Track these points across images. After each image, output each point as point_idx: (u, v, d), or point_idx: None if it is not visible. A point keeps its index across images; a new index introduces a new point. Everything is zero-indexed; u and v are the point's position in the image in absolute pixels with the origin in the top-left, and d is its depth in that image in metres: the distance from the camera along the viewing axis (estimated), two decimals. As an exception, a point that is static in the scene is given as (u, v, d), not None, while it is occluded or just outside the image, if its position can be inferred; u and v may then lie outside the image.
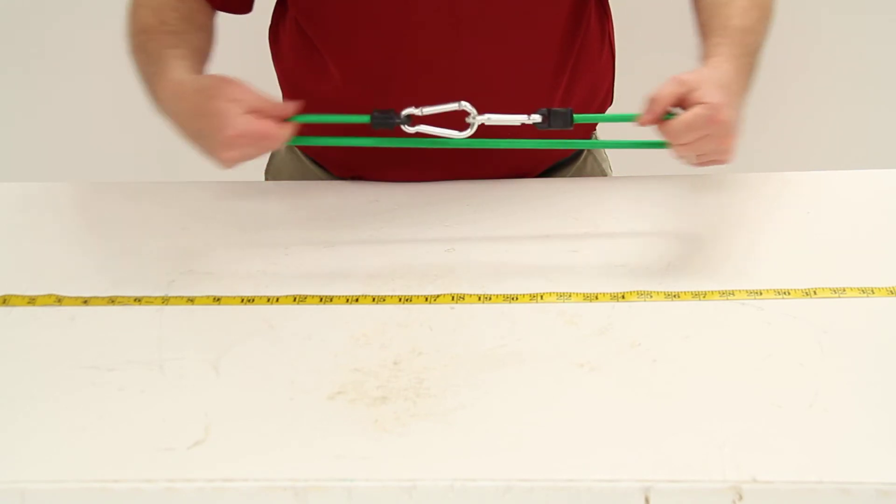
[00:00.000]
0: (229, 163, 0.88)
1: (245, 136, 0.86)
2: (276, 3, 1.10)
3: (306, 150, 1.14)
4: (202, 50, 1.00)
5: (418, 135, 0.88)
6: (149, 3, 1.01)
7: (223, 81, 0.88)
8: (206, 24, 1.03)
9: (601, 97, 1.11)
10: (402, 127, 0.88)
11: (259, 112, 0.86)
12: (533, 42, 1.01)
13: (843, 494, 0.61)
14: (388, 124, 0.88)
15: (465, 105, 0.87)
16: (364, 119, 0.88)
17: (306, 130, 0.92)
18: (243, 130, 0.86)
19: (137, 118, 1.98)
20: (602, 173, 1.17)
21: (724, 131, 0.84)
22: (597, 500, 0.62)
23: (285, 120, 0.88)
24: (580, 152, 1.15)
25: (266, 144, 0.88)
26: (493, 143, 0.93)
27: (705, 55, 0.90)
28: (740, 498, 0.61)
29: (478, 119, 0.87)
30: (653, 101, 0.84)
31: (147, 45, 0.97)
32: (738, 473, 0.62)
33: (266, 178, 1.21)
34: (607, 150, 1.21)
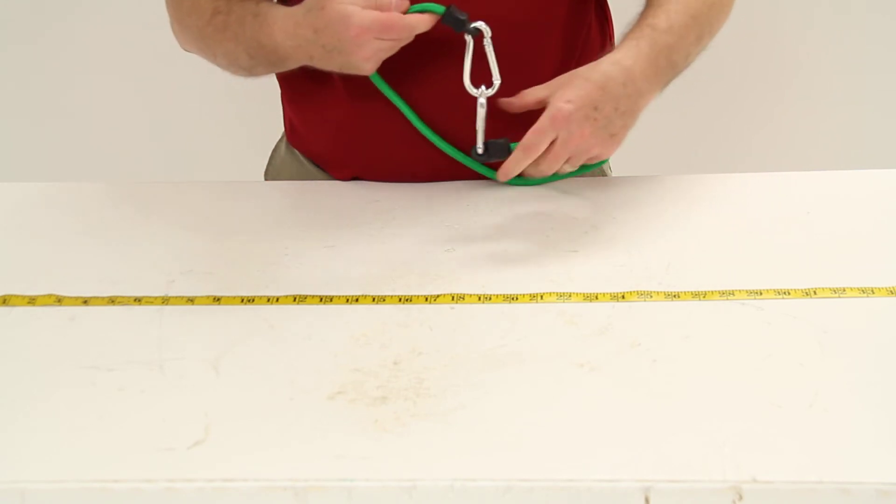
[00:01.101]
0: (369, 63, 0.88)
1: (371, 30, 0.86)
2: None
3: (306, 152, 1.14)
4: None
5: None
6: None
7: (336, 16, 0.88)
8: None
9: None
10: (470, 32, 0.91)
11: (377, 6, 0.87)
12: (533, 46, 1.02)
13: (843, 494, 0.61)
14: (457, 24, 0.91)
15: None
16: (439, 9, 0.91)
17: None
18: (367, 24, 0.86)
19: (138, 118, 2.00)
20: (602, 174, 1.17)
21: (579, 132, 0.88)
22: (597, 500, 0.62)
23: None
24: None
25: (395, 34, 0.88)
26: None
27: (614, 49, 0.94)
28: (740, 498, 0.61)
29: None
30: (522, 94, 0.90)
31: (229, 21, 0.97)
32: (738, 473, 0.62)
33: (266, 178, 1.21)
34: None
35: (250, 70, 1.00)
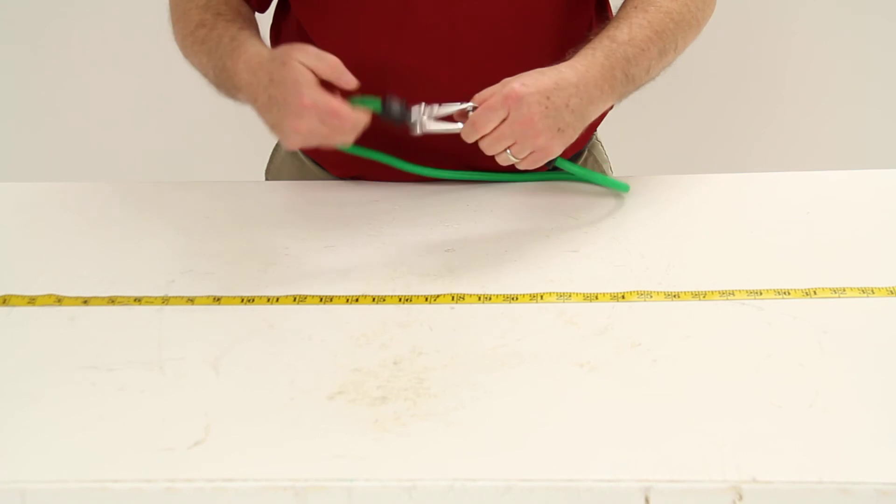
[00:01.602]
0: (297, 135, 0.87)
1: (318, 108, 0.86)
2: (277, 3, 1.10)
3: (307, 151, 1.14)
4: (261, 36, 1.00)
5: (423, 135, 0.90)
6: (196, 3, 1.01)
7: (295, 48, 0.88)
8: (251, 16, 1.04)
9: None
10: (410, 127, 0.90)
11: (329, 87, 0.87)
12: (531, 42, 1.02)
13: (843, 494, 0.61)
14: (396, 118, 0.91)
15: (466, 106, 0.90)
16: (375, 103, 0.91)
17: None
18: (318, 101, 0.86)
19: (138, 118, 2.00)
20: (602, 174, 1.17)
21: (528, 114, 0.87)
22: (597, 500, 0.62)
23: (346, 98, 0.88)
24: (580, 153, 1.15)
25: (338, 124, 0.87)
26: (481, 176, 1.00)
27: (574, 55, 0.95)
28: (740, 498, 0.61)
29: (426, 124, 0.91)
30: (478, 97, 0.90)
31: (209, 36, 0.98)
32: (738, 473, 0.62)
33: (266, 178, 1.21)
34: (607, 151, 1.21)
35: (215, 88, 1.00)
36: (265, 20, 1.11)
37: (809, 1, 1.81)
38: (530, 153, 0.90)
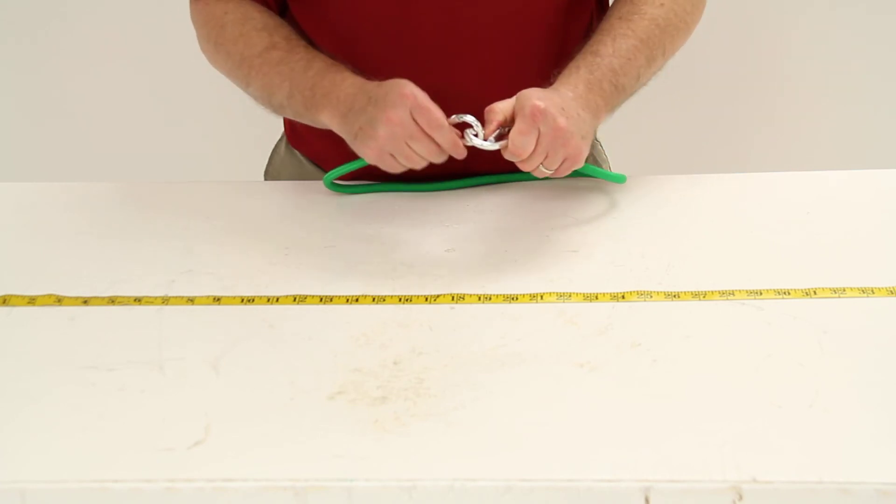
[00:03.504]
0: (386, 127, 0.87)
1: (413, 99, 0.86)
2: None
3: (306, 153, 1.14)
4: None
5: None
6: (252, 25, 1.01)
7: (398, 83, 0.89)
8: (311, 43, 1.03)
9: None
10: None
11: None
12: (532, 44, 1.02)
13: (843, 494, 0.61)
14: None
15: (468, 118, 0.90)
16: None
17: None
18: (413, 93, 0.86)
19: (138, 118, 2.00)
20: (598, 165, 1.17)
21: (555, 125, 0.87)
22: (597, 500, 0.62)
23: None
24: None
25: (424, 121, 0.87)
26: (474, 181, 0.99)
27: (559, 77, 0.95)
28: (740, 498, 0.61)
29: (474, 141, 0.90)
30: (490, 110, 0.89)
31: (287, 59, 0.98)
32: (738, 473, 0.62)
33: (266, 178, 1.21)
34: (606, 151, 1.21)
35: (279, 108, 1.00)
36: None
37: (809, 1, 1.81)
38: (563, 162, 0.89)
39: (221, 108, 1.80)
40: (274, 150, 1.22)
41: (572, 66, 0.95)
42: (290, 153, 1.16)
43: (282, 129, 1.20)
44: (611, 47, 0.96)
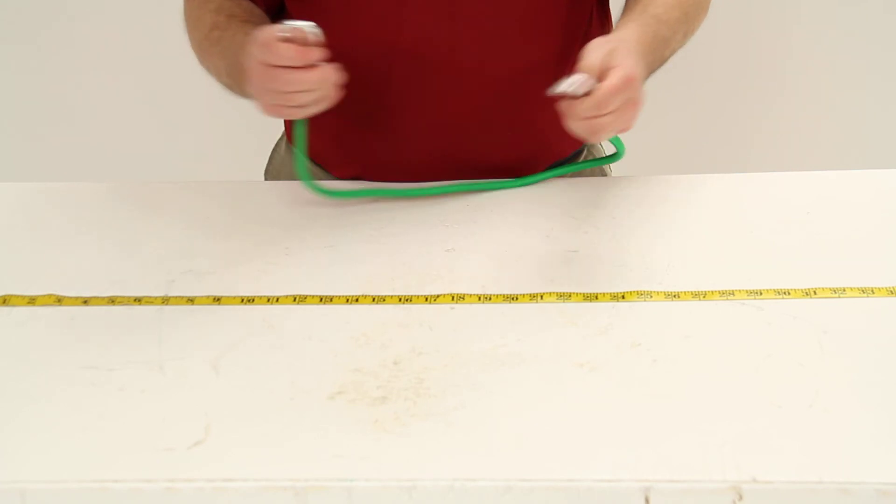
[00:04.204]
0: (261, 98, 0.86)
1: (261, 74, 0.84)
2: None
3: (307, 152, 1.14)
4: None
5: None
6: (208, 7, 1.01)
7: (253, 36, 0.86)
8: (264, 16, 1.03)
9: None
10: None
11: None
12: (531, 40, 1.01)
13: (843, 494, 0.61)
14: None
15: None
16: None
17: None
18: (258, 68, 0.84)
19: (138, 118, 2.00)
20: (602, 173, 1.17)
21: (637, 93, 0.85)
22: (597, 500, 0.62)
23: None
24: (580, 151, 1.15)
25: (284, 83, 0.85)
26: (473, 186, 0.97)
27: (615, 28, 0.92)
28: (740, 498, 0.61)
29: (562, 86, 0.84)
30: (587, 69, 0.83)
31: (223, 37, 0.97)
32: (738, 473, 0.62)
33: (266, 178, 1.21)
34: (606, 148, 1.21)
35: (229, 88, 1.00)
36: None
37: (809, 0, 1.81)
38: (618, 129, 0.87)
39: (222, 108, 1.80)
40: (274, 150, 1.22)
41: (630, 22, 0.92)
42: (291, 153, 1.16)
43: (281, 128, 1.20)
44: (664, 14, 0.94)
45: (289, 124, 1.17)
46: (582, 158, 1.15)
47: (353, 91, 1.02)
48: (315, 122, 1.09)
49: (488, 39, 1.00)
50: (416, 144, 1.03)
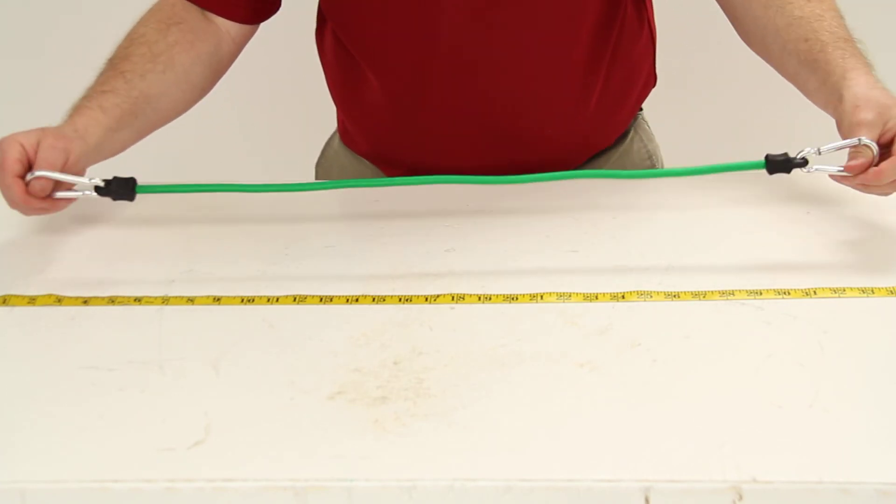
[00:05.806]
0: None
1: None
2: (318, 12, 1.11)
3: (357, 151, 1.15)
4: (155, 95, 0.99)
5: None
6: (156, 17, 1.02)
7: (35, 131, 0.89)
8: (202, 52, 1.01)
9: (642, 80, 1.11)
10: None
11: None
12: (565, 40, 1.01)
13: (843, 494, 0.61)
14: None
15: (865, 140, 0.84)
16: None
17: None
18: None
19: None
20: (649, 155, 1.17)
21: None
22: (597, 500, 0.62)
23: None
24: (625, 134, 1.14)
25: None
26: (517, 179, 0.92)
27: (841, 71, 0.90)
28: (740, 498, 0.61)
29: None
30: (862, 153, 0.82)
31: (101, 75, 0.99)
32: (738, 473, 0.62)
33: (316, 171, 1.22)
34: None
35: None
36: (300, 25, 1.11)
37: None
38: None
39: (223, 108, 1.80)
40: (327, 144, 1.23)
41: (848, 59, 0.91)
42: (343, 147, 1.17)
43: (335, 124, 1.20)
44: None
45: (341, 121, 1.17)
46: (627, 140, 1.14)
47: (394, 96, 1.03)
48: (365, 124, 1.11)
49: (523, 42, 0.99)
50: (457, 144, 1.03)
